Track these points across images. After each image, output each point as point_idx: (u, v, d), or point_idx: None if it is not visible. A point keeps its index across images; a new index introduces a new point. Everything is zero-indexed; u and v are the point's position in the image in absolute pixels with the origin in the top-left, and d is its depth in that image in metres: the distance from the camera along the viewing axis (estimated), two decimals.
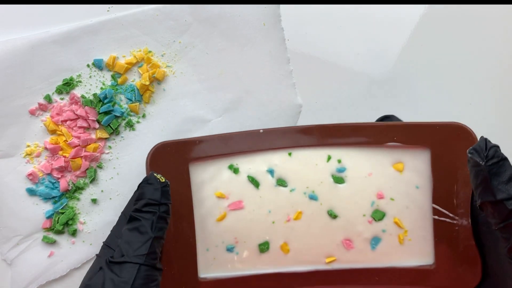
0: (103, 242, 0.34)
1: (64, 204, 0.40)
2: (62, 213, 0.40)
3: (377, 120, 0.40)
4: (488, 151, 0.30)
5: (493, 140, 0.36)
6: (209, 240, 0.38)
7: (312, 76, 0.41)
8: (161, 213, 0.33)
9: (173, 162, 0.37)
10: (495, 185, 0.30)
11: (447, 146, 0.37)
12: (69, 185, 0.41)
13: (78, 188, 0.41)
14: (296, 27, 0.41)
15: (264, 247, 0.39)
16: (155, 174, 0.34)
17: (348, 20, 0.41)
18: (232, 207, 0.39)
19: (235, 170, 0.38)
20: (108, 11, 0.41)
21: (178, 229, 0.37)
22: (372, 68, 0.41)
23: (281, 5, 0.41)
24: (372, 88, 0.41)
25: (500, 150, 0.30)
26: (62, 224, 0.40)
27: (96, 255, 0.34)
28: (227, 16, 0.41)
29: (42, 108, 0.41)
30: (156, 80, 0.41)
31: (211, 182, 0.38)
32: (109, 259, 0.31)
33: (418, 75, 0.41)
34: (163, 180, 0.34)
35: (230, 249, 0.39)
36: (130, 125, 0.41)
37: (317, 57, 0.41)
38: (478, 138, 0.35)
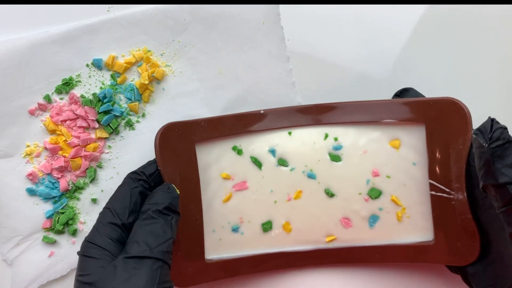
0: (86, 239, 0.32)
1: (64, 204, 0.40)
2: (62, 213, 0.40)
3: (396, 93, 0.40)
4: (493, 132, 0.29)
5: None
6: (216, 221, 0.40)
7: (313, 77, 0.42)
8: (177, 219, 0.34)
9: (180, 143, 0.38)
10: (498, 168, 0.28)
11: (440, 121, 0.37)
12: (69, 184, 0.40)
13: (78, 188, 0.41)
14: (296, 27, 0.41)
15: (267, 226, 0.40)
16: (173, 185, 0.36)
17: (349, 20, 0.41)
18: (237, 187, 0.40)
19: (239, 152, 0.40)
20: (108, 11, 0.41)
21: (185, 211, 0.38)
22: (372, 68, 0.41)
23: (281, 5, 0.41)
24: (372, 88, 0.41)
25: (507, 132, 0.29)
26: (62, 224, 0.40)
27: (80, 253, 0.32)
28: (226, 15, 0.41)
29: (42, 108, 0.41)
30: (156, 80, 0.41)
31: (216, 164, 0.40)
32: (125, 255, 0.30)
33: (418, 75, 0.41)
34: (178, 192, 0.35)
35: (235, 229, 0.40)
36: (129, 125, 0.41)
37: (318, 57, 0.41)
38: (471, 113, 0.36)
